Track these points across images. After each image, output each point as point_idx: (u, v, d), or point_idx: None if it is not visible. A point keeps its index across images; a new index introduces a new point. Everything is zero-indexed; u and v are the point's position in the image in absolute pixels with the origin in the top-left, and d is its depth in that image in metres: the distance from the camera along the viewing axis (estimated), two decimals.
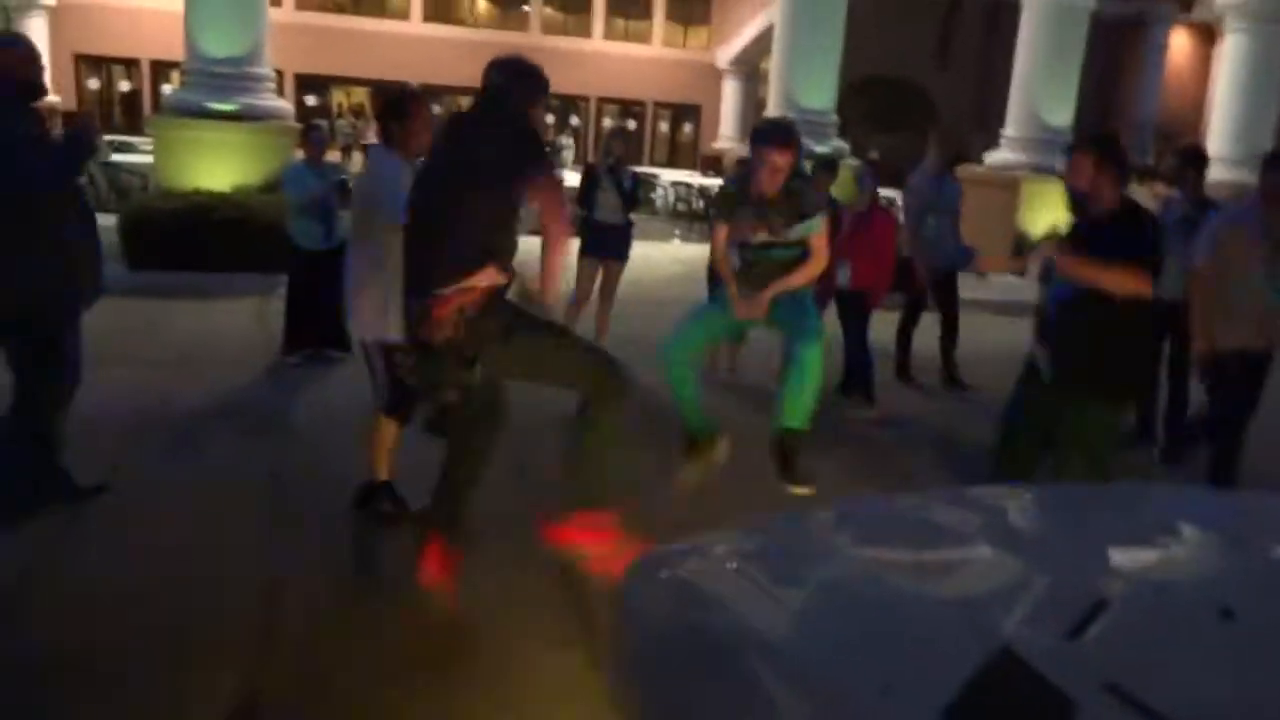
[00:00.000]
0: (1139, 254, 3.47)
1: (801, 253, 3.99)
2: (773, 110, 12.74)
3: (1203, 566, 1.64)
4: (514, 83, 3.31)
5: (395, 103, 4.00)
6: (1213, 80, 30.38)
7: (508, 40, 26.30)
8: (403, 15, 25.80)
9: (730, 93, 27.65)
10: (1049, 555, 1.68)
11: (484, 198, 3.07)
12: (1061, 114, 13.05)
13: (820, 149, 11.94)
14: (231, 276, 8.47)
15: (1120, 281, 3.41)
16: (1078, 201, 3.69)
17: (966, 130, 27.03)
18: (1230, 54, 14.07)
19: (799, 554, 1.88)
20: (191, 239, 8.65)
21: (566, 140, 24.76)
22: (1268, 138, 14.04)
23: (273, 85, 10.66)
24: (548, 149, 5.28)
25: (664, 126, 29.52)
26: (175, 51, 11.24)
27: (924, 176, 6.94)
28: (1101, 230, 3.54)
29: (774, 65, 12.75)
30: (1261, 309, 4.37)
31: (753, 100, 28.01)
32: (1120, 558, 1.62)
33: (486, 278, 3.05)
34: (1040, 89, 12.96)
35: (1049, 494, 2.19)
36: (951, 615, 1.48)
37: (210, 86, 10.01)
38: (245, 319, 7.54)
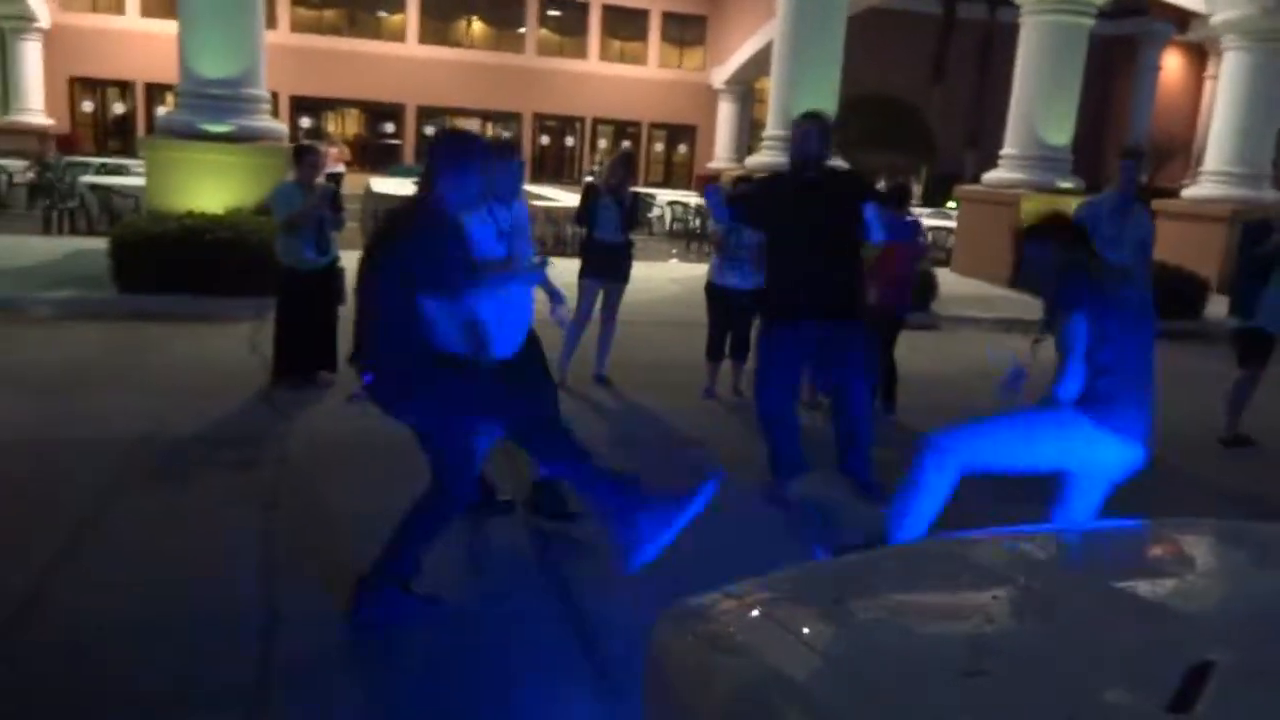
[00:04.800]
0: None
1: None
2: (772, 130, 12.66)
3: None
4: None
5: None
6: (1204, 99, 30.59)
7: (504, 62, 26.36)
8: (399, 37, 25.79)
9: (725, 113, 27.66)
10: (1121, 602, 1.54)
11: None
12: (1061, 133, 13.00)
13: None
14: (226, 300, 8.32)
15: None
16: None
17: (960, 149, 27.19)
18: (1228, 72, 14.02)
19: (829, 599, 1.74)
20: (184, 261, 8.51)
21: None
22: (1268, 154, 13.98)
23: (268, 107, 10.56)
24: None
25: (659, 147, 29.50)
26: (170, 74, 11.14)
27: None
28: None
29: (774, 83, 12.69)
30: None
31: (748, 120, 28.00)
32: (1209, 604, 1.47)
33: None
34: (1040, 109, 12.92)
35: (1104, 533, 2.04)
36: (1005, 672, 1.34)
37: (204, 108, 9.90)
38: (239, 343, 7.39)
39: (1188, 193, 14.44)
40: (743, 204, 4.89)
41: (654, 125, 28.84)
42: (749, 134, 28.24)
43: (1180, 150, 28.56)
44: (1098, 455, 3.10)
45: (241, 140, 9.83)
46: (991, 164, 13.61)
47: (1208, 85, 30.08)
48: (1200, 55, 30.78)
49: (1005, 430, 3.23)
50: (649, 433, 5.92)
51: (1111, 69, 28.74)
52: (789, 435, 4.66)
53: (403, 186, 14.73)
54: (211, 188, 9.63)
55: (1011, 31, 14.41)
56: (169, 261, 8.47)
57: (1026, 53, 13.02)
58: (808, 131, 4.49)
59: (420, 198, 3.21)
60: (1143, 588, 1.66)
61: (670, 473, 5.04)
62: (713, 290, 6.72)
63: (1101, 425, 3.03)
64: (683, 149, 29.59)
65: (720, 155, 27.26)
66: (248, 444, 5.15)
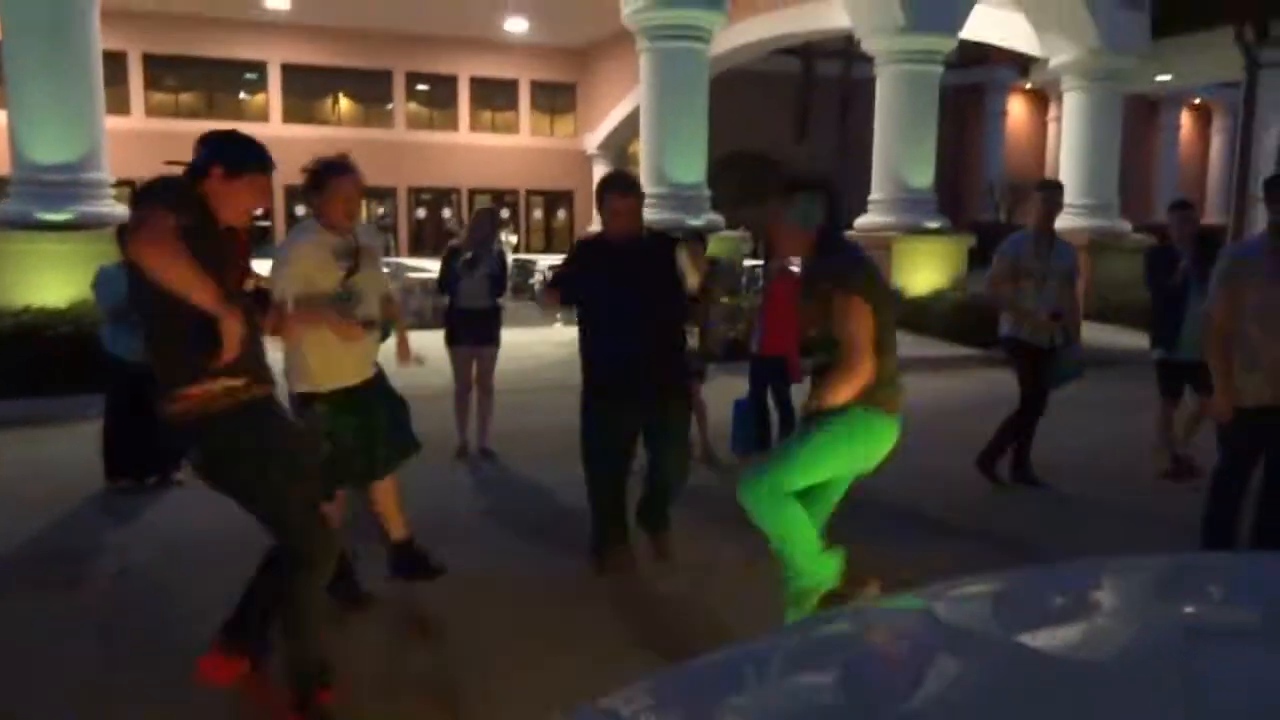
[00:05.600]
0: None
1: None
2: (649, 188, 12.66)
3: None
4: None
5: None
6: (1049, 140, 32.48)
7: (374, 137, 25.95)
8: (261, 117, 25.18)
9: (600, 177, 27.88)
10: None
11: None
12: (922, 176, 13.42)
13: (694, 222, 11.93)
14: (68, 399, 7.67)
15: None
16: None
17: None
18: (1069, 111, 14.81)
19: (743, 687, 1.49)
20: (23, 362, 7.84)
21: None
22: (1113, 186, 14.74)
23: (111, 192, 9.96)
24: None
25: (538, 214, 29.47)
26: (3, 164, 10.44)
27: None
28: None
29: (644, 145, 12.74)
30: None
31: None
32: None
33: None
34: (901, 153, 13.33)
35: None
36: None
37: (40, 196, 9.27)
38: (81, 445, 6.78)
39: None
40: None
41: (531, 192, 28.83)
42: None
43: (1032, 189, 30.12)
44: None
45: (83, 228, 9.20)
46: (859, 212, 13.93)
47: (1051, 127, 31.98)
48: (1042, 100, 32.72)
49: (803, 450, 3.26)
50: (528, 505, 5.61)
51: (963, 116, 30.25)
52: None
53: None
54: (52, 280, 8.96)
55: (867, 86, 14.93)
56: (6, 362, 7.79)
57: (884, 101, 13.46)
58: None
59: None
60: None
61: (547, 546, 4.76)
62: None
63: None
64: (561, 214, 29.64)
65: (599, 219, 27.37)
66: (81, 558, 4.62)
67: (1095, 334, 11.51)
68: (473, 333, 6.34)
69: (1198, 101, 34.52)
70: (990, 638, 1.55)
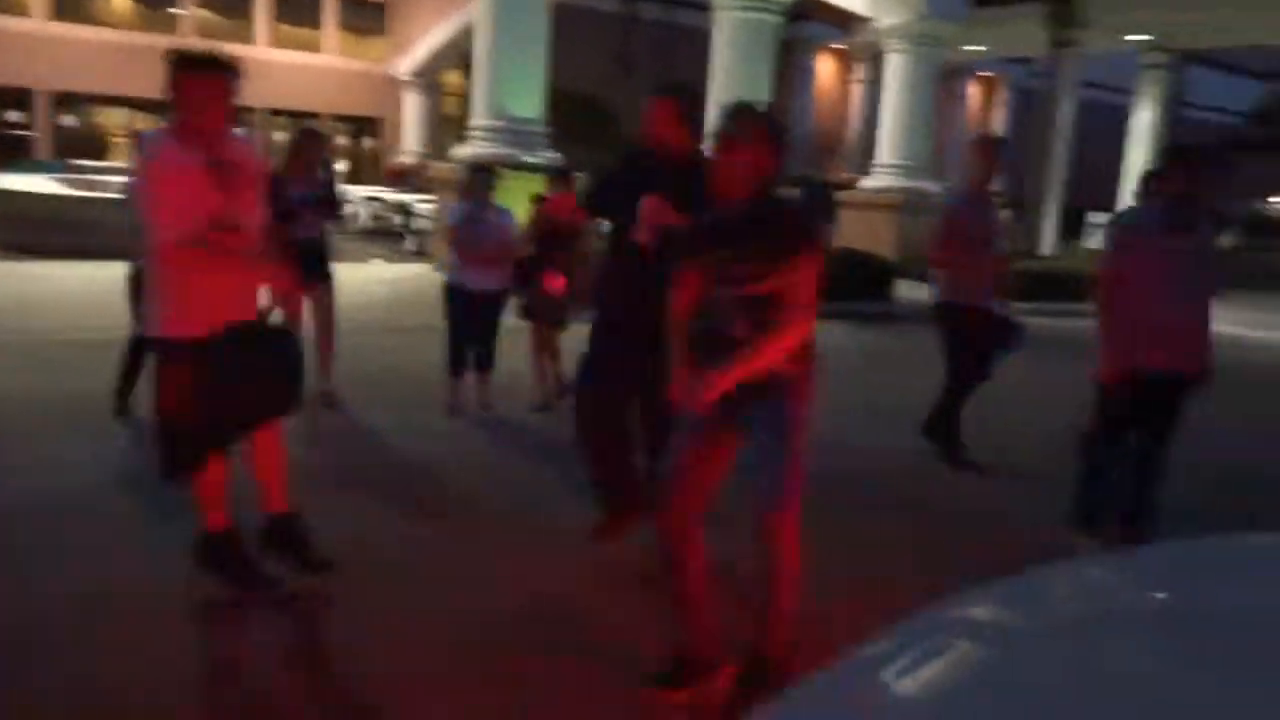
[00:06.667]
0: None
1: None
2: (481, 120, 12.05)
3: None
4: None
5: None
6: (852, 101, 33.79)
7: (155, 44, 23.43)
8: (24, 12, 22.11)
9: (412, 105, 26.58)
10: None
11: None
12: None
13: (531, 159, 11.44)
14: None
15: None
16: None
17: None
18: (892, 72, 15.29)
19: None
20: None
21: None
22: (928, 148, 15.43)
23: None
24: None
25: (343, 141, 27.75)
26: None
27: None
28: None
29: (478, 75, 12.07)
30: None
31: (436, 113, 27.08)
32: None
33: None
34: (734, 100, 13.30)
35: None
36: None
37: None
38: None
39: (864, 184, 15.61)
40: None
41: (336, 118, 27.06)
42: (438, 127, 27.35)
43: (838, 146, 31.34)
44: None
45: None
46: None
47: (854, 89, 33.24)
48: (847, 61, 33.92)
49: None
50: (389, 461, 5.16)
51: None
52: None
53: (37, 184, 12.46)
54: None
55: (691, 33, 14.81)
56: None
57: (720, 49, 13.38)
58: None
59: None
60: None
61: (410, 506, 4.39)
62: (451, 292, 6.03)
63: None
64: (368, 142, 28.06)
65: (409, 148, 26.15)
66: None
67: (912, 291, 12.03)
68: (304, 266, 5.72)
69: (985, 75, 36.87)
70: None
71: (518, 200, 6.88)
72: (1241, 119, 38.34)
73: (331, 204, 5.90)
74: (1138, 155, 16.88)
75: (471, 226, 5.89)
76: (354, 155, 27.90)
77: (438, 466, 5.00)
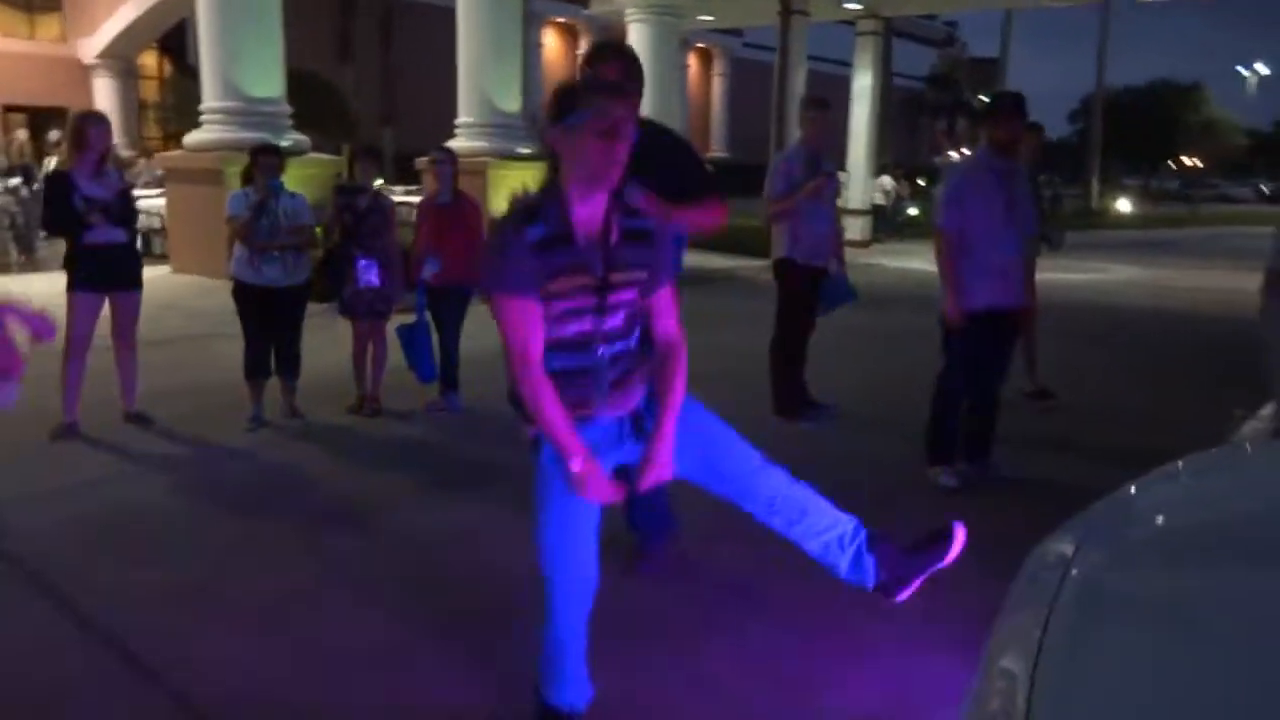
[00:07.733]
0: None
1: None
2: (215, 102, 10.93)
3: None
4: None
5: None
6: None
7: None
8: None
9: (104, 91, 23.70)
10: None
11: None
12: (511, 100, 13.19)
13: (280, 142, 10.50)
14: None
15: None
16: None
17: (377, 124, 26.72)
18: (633, 43, 15.46)
19: None
20: None
21: None
22: (677, 117, 15.80)
23: None
24: None
25: (21, 134, 24.32)
26: None
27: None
28: None
29: (207, 54, 10.90)
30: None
31: (133, 98, 24.41)
32: None
33: None
34: (488, 78, 12.94)
35: None
36: None
37: None
38: None
39: None
40: None
41: (9, 108, 23.70)
42: (137, 113, 24.69)
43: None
44: None
45: None
46: (411, 139, 13.31)
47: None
48: (573, 35, 34.15)
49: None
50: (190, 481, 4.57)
51: None
52: None
53: None
54: None
55: (409, 11, 14.23)
56: None
57: (466, 22, 12.93)
58: None
59: None
60: None
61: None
62: (246, 291, 5.38)
63: None
64: (54, 135, 24.80)
65: (116, 142, 23.42)
66: None
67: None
68: (108, 274, 5.05)
69: (701, 46, 38.40)
70: None
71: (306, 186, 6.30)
72: (919, 83, 42.45)
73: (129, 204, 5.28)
74: (860, 113, 18.28)
75: (259, 215, 5.28)
76: (38, 152, 24.59)
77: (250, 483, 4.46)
